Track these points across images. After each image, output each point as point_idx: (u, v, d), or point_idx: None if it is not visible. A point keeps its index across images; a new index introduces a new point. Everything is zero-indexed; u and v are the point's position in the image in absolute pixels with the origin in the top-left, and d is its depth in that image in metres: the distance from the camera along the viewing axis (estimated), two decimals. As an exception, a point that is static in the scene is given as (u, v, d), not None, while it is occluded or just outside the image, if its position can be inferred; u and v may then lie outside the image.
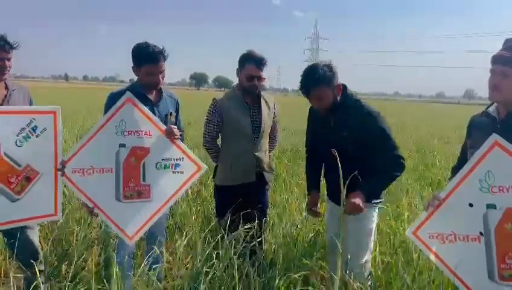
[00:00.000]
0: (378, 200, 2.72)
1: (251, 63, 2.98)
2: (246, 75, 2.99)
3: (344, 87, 2.62)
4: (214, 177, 3.28)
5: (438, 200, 2.13)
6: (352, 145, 2.55)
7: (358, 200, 2.48)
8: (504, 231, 1.97)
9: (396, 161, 2.57)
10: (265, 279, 2.50)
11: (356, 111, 2.58)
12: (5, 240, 2.83)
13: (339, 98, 2.60)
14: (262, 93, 3.15)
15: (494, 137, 1.98)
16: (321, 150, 2.83)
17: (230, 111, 3.04)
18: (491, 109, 2.16)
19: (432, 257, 2.18)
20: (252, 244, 2.73)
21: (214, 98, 3.12)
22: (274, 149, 3.51)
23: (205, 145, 3.20)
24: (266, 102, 3.19)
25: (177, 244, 3.15)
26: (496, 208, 1.99)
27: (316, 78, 2.50)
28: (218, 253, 2.52)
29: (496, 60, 2.01)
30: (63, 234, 3.69)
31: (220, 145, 3.25)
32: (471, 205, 2.05)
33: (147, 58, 2.62)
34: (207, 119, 3.12)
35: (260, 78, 3.01)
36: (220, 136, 3.19)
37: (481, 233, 2.03)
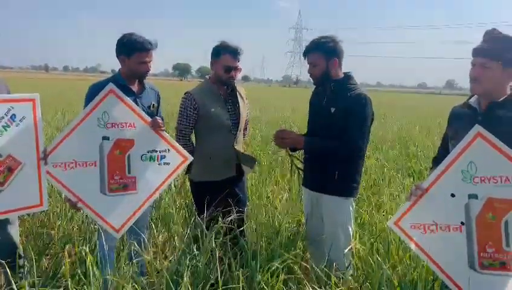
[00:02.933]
0: (352, 197, 2.79)
1: (227, 54, 2.92)
2: (223, 67, 2.93)
3: (350, 75, 2.73)
4: (186, 173, 3.17)
5: (420, 191, 2.16)
6: (336, 124, 2.62)
7: (293, 136, 2.71)
8: (485, 221, 2.01)
9: (351, 145, 2.61)
10: (248, 270, 2.51)
11: (349, 92, 2.65)
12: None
13: (333, 72, 2.68)
14: (236, 85, 3.10)
15: (477, 128, 2.00)
16: (310, 130, 2.91)
17: (207, 105, 2.96)
18: (472, 100, 2.19)
19: (413, 247, 2.21)
20: (233, 236, 2.74)
21: (188, 92, 3.01)
22: (245, 140, 3.46)
23: (179, 141, 3.02)
24: (240, 94, 3.14)
25: (159, 237, 3.14)
26: (477, 198, 2.02)
27: (314, 44, 2.68)
28: (199, 246, 2.52)
29: (476, 52, 2.04)
30: (43, 228, 3.64)
31: (193, 141, 3.16)
32: (453, 195, 2.08)
33: (139, 46, 2.63)
34: (181, 114, 3.01)
35: (236, 69, 2.98)
36: (193, 131, 3.10)
37: (462, 223, 2.07)
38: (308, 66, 2.75)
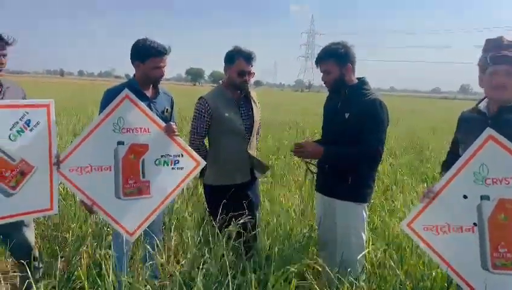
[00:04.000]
0: (366, 203, 2.78)
1: (241, 58, 2.95)
2: (237, 71, 2.95)
3: (364, 80, 2.74)
4: (200, 177, 3.16)
5: (432, 193, 2.19)
6: (350, 129, 2.62)
7: (312, 148, 2.66)
8: (497, 221, 2.05)
9: (372, 152, 2.61)
10: (261, 275, 2.51)
11: (363, 97, 2.65)
12: (1, 238, 2.82)
13: (347, 78, 2.69)
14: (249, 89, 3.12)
15: (489, 131, 2.05)
16: (325, 135, 2.91)
17: (221, 110, 2.98)
18: (481, 105, 2.25)
19: (426, 249, 2.24)
20: (246, 239, 2.74)
21: (202, 97, 3.04)
22: (257, 144, 3.46)
23: (192, 145, 3.03)
24: (253, 99, 3.16)
25: (172, 241, 3.16)
26: (489, 199, 2.06)
27: (326, 52, 2.68)
28: (212, 249, 2.53)
29: (501, 60, 2.06)
30: (58, 231, 3.69)
31: (207, 145, 3.17)
32: (465, 196, 2.12)
33: (153, 52, 2.66)
34: (196, 118, 3.03)
35: (250, 73, 2.99)
36: (206, 136, 3.11)
37: (475, 224, 2.10)
38: (321, 74, 2.75)
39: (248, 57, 2.96)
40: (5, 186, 2.41)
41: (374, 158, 2.64)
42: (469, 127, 2.28)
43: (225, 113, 2.99)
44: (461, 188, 2.13)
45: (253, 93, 3.22)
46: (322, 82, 2.77)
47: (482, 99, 2.28)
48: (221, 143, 3.06)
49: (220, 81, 3.19)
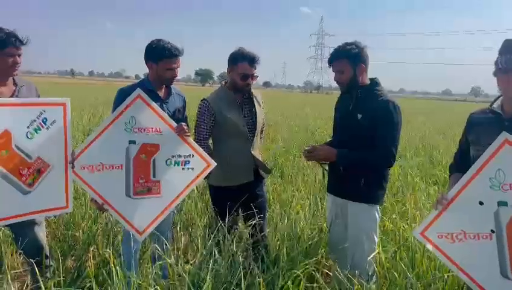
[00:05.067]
0: (378, 204, 2.75)
1: (244, 61, 2.93)
2: (240, 74, 2.93)
3: (376, 81, 2.71)
4: (205, 178, 3.10)
5: (446, 200, 2.13)
6: (363, 131, 2.60)
7: (324, 151, 2.67)
8: None
9: (387, 155, 2.59)
10: (270, 276, 2.50)
11: (376, 98, 2.63)
12: (12, 235, 2.85)
13: (360, 78, 2.67)
14: (252, 90, 3.10)
15: (504, 135, 1.99)
16: (336, 136, 2.89)
17: (224, 111, 2.97)
18: (495, 105, 2.19)
19: (440, 256, 2.18)
20: (254, 240, 2.73)
21: (204, 99, 3.03)
22: (261, 144, 3.44)
23: None
24: (256, 99, 3.14)
25: (181, 241, 3.17)
26: (507, 205, 1.99)
27: (340, 51, 2.67)
28: (221, 250, 2.53)
29: None
30: (69, 229, 3.71)
31: (211, 146, 3.16)
32: (481, 203, 2.06)
33: (167, 53, 2.67)
34: (199, 120, 3.02)
35: (253, 77, 2.98)
36: (210, 137, 3.11)
37: (492, 231, 2.03)
38: (333, 73, 2.73)
39: (251, 61, 2.94)
40: (21, 184, 2.43)
41: (388, 161, 2.61)
42: (482, 128, 2.22)
43: (227, 114, 2.98)
44: (477, 195, 2.07)
45: (258, 94, 3.20)
46: (335, 82, 2.74)
47: (496, 100, 2.23)
48: (224, 144, 3.05)
49: (223, 82, 3.18)
